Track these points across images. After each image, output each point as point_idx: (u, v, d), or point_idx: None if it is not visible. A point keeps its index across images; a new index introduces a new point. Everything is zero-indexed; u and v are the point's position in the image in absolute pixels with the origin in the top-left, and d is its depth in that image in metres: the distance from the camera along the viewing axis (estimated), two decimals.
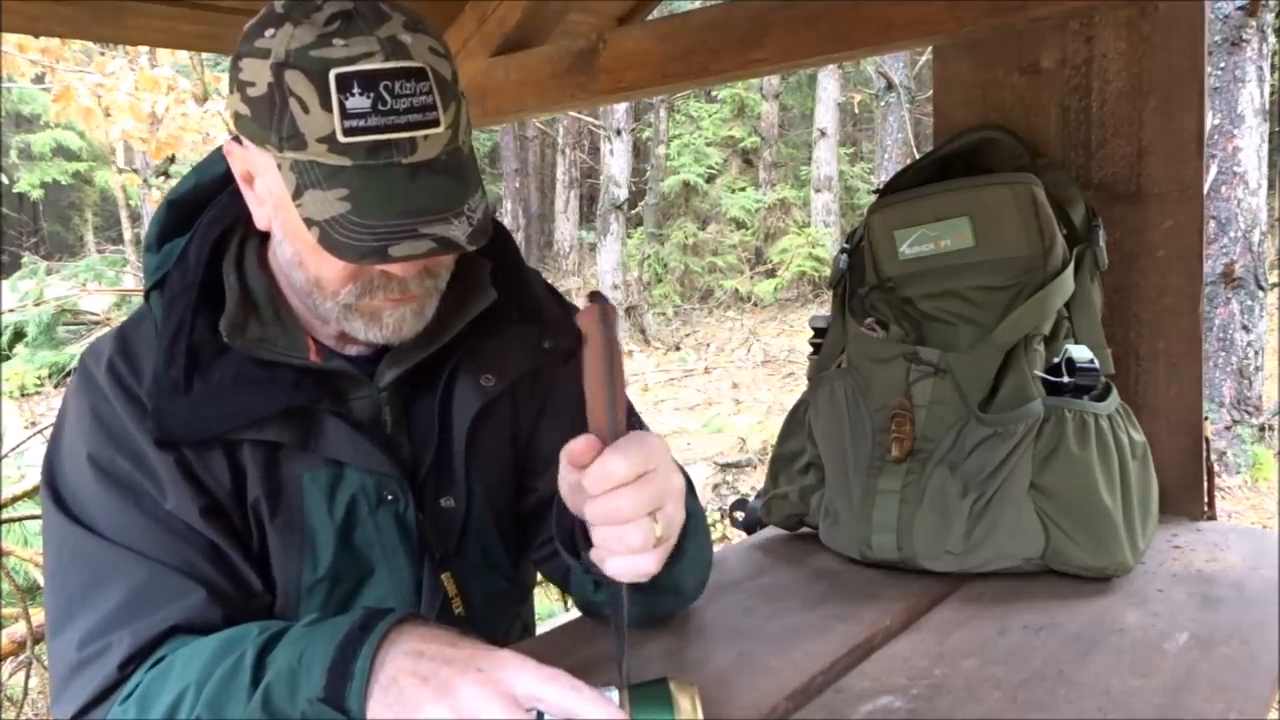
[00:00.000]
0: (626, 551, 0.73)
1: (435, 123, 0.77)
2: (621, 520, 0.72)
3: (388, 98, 0.75)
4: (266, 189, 0.84)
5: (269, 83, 0.76)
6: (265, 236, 0.90)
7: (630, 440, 0.73)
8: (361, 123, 0.75)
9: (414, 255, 0.77)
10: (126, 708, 0.78)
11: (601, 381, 0.72)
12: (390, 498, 0.93)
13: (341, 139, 0.75)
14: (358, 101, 0.74)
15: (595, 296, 0.75)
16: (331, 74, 0.74)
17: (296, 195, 0.78)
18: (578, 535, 0.84)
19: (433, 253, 0.78)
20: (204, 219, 0.92)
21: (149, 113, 5.22)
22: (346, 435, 0.90)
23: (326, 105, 0.74)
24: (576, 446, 0.73)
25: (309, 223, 0.78)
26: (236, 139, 0.85)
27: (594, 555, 0.77)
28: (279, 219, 0.85)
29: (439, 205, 0.78)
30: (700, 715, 0.70)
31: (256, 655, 0.74)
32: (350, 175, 0.76)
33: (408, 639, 0.71)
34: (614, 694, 0.70)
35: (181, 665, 0.77)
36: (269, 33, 0.77)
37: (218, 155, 0.92)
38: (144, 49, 5.49)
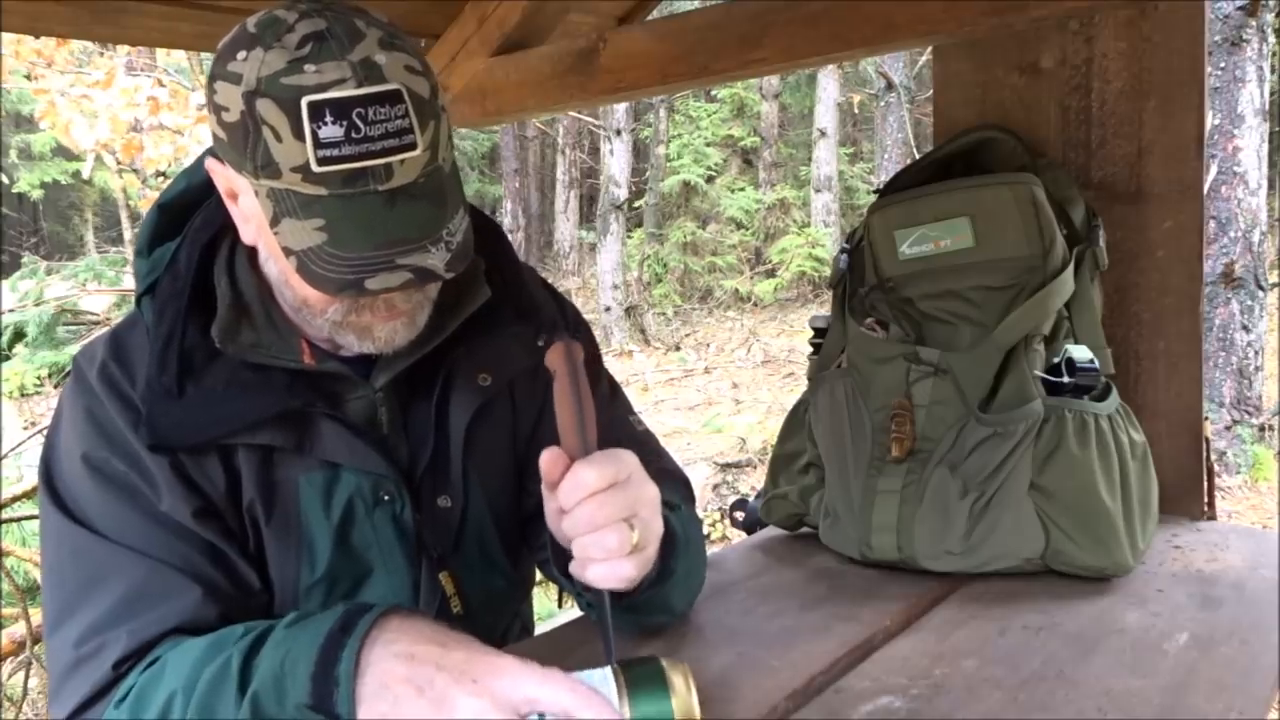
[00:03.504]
0: (605, 556, 0.75)
1: (412, 146, 0.75)
2: (596, 526, 0.75)
3: (361, 125, 0.73)
4: (249, 209, 0.83)
5: (241, 110, 0.75)
6: None
7: (600, 454, 0.77)
8: (335, 152, 0.73)
9: (390, 288, 0.77)
10: (121, 710, 0.78)
11: (571, 410, 0.77)
12: (387, 498, 0.93)
13: (315, 169, 0.74)
14: (331, 130, 0.73)
15: (560, 337, 0.83)
16: (303, 102, 0.73)
17: (274, 223, 0.77)
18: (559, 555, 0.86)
19: (409, 284, 0.77)
20: (194, 223, 0.92)
21: (129, 123, 5.21)
22: (342, 437, 0.90)
23: (299, 135, 0.73)
24: (545, 460, 0.77)
25: (287, 252, 0.77)
26: (217, 156, 0.84)
27: (574, 569, 0.78)
28: (262, 239, 0.85)
29: (416, 234, 0.76)
30: (694, 693, 0.70)
31: (243, 659, 0.73)
32: (326, 205, 0.75)
33: (394, 637, 0.70)
34: (610, 677, 0.70)
35: (173, 667, 0.77)
36: (240, 55, 0.76)
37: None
38: (123, 57, 5.49)
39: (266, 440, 0.88)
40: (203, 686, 0.73)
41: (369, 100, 0.73)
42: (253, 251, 0.91)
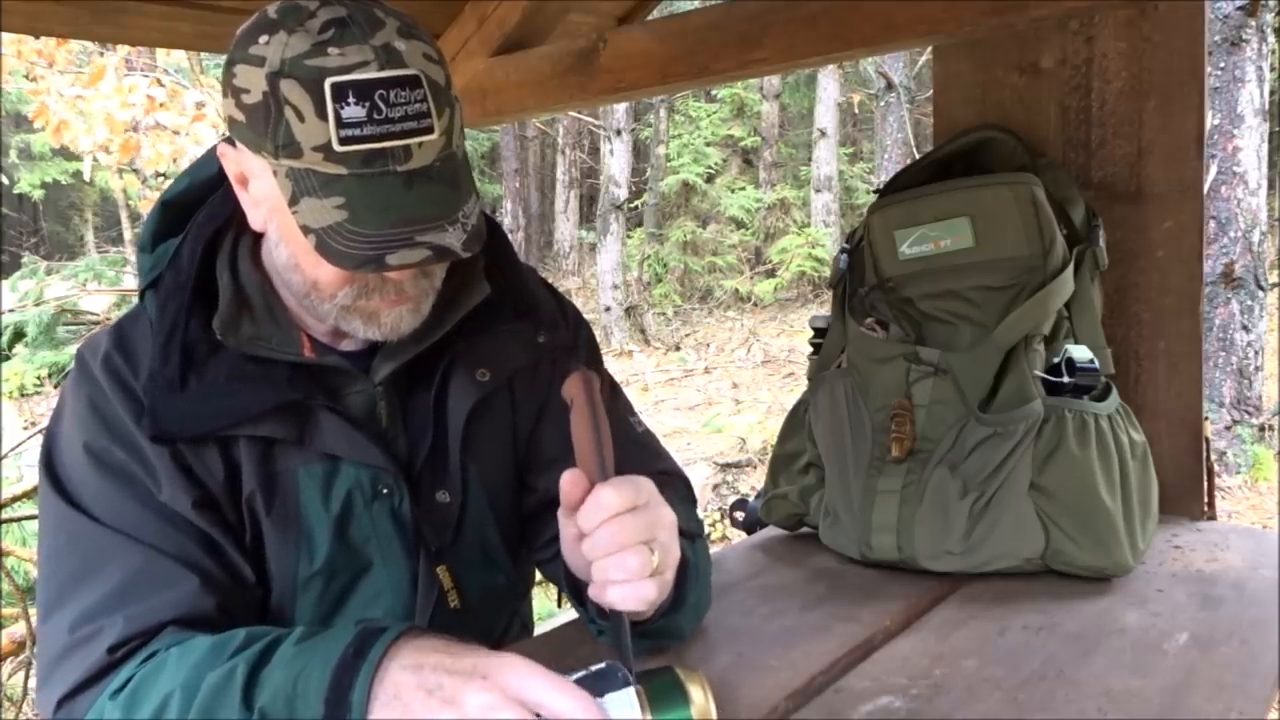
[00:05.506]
0: (626, 577, 0.75)
1: (430, 129, 0.77)
2: (619, 547, 0.75)
3: (383, 106, 0.75)
4: (262, 193, 0.84)
5: (264, 91, 0.76)
6: (258, 234, 0.90)
7: (620, 478, 0.77)
8: (357, 132, 0.75)
9: (410, 264, 0.78)
10: (117, 703, 0.77)
11: (589, 434, 0.78)
12: (385, 491, 0.94)
13: (337, 148, 0.75)
14: (353, 111, 0.75)
15: (576, 366, 0.85)
16: (327, 83, 0.75)
17: (293, 202, 0.78)
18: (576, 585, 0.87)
19: (428, 261, 0.78)
20: (197, 218, 0.93)
21: (126, 124, 5.21)
22: (341, 430, 0.90)
23: (322, 115, 0.75)
24: (565, 482, 0.77)
25: (305, 230, 0.78)
26: (230, 140, 0.85)
27: (593, 592, 0.78)
28: (275, 222, 0.85)
29: (434, 213, 0.78)
30: (710, 701, 0.70)
31: (249, 671, 0.72)
32: (346, 184, 0.77)
33: (404, 653, 0.70)
34: (634, 700, 0.70)
35: (173, 666, 0.76)
36: (263, 39, 0.77)
37: (211, 156, 0.92)
38: (118, 57, 5.48)
39: (267, 432, 0.88)
40: (205, 691, 0.73)
41: (390, 83, 0.76)
42: (255, 245, 0.92)
